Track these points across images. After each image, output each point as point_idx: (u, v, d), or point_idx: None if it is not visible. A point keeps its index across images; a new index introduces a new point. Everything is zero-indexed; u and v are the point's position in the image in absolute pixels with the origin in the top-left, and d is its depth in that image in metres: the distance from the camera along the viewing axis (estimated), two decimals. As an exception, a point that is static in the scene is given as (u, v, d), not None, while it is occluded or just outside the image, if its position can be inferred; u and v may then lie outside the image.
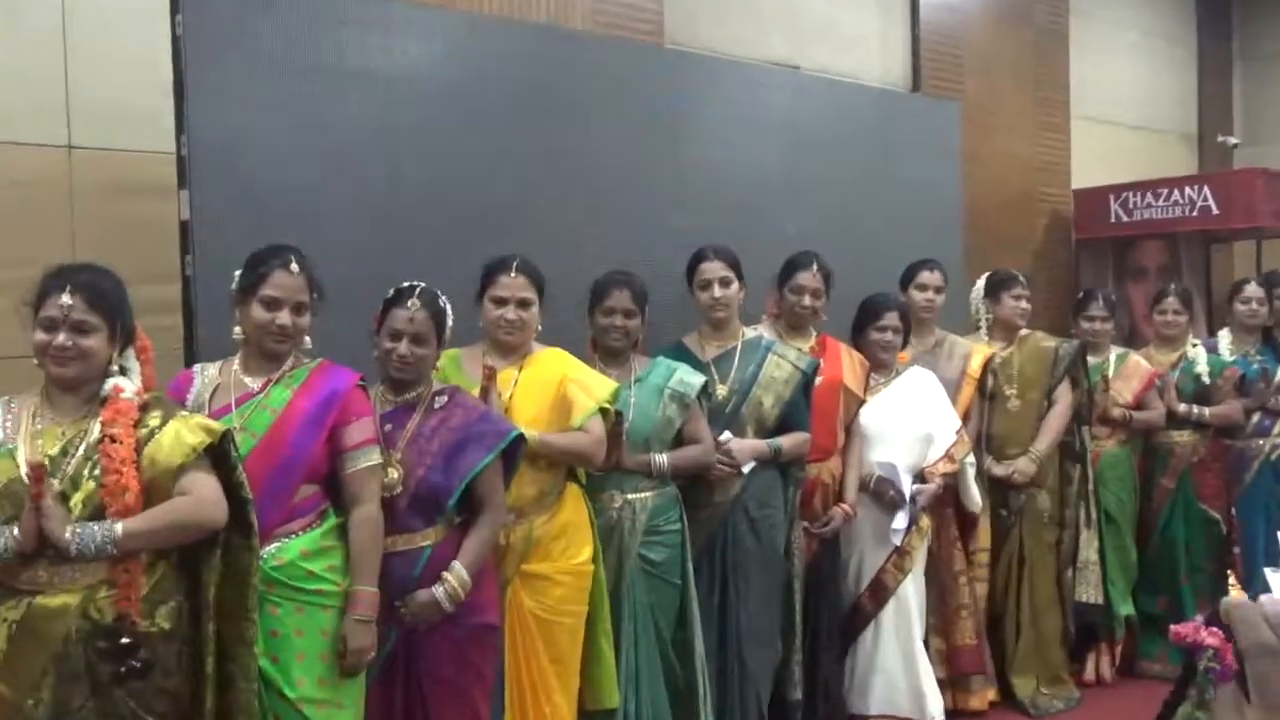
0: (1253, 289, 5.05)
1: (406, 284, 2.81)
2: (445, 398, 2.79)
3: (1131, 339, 6.22)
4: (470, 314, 3.09)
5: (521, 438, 2.80)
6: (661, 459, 3.25)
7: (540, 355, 3.12)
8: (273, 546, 2.48)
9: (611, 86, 3.96)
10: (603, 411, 3.07)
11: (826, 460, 3.81)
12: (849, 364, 3.89)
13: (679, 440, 3.34)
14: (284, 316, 2.55)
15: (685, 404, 3.31)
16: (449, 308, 2.85)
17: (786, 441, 3.55)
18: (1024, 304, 4.53)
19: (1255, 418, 4.94)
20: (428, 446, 2.69)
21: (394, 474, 2.67)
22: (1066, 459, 4.52)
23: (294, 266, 2.57)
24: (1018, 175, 6.49)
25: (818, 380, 3.67)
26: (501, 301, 3.05)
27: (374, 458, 2.60)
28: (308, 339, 2.63)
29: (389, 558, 2.61)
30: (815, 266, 3.81)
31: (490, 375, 2.91)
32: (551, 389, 3.05)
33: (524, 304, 3.06)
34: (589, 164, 3.89)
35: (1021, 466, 4.37)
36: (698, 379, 3.36)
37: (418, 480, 2.66)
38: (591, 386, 3.08)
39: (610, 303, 3.31)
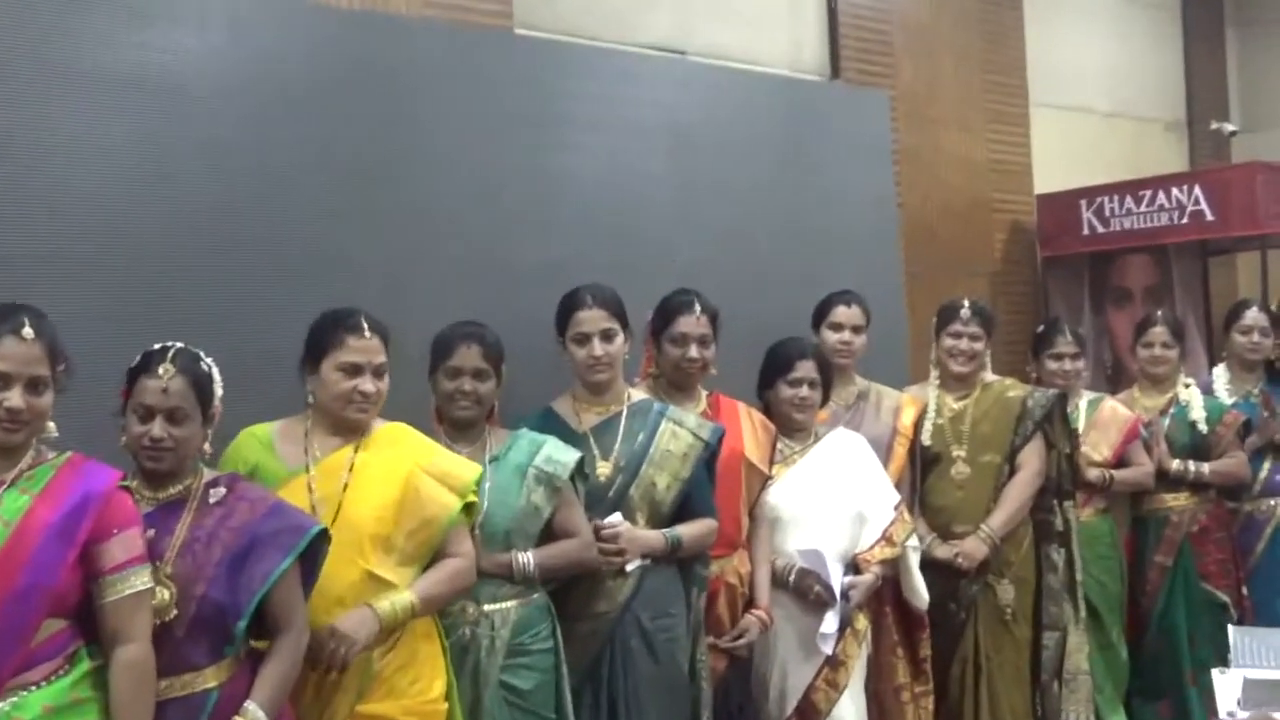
0: (1253, 315, 5.30)
1: (157, 346, 2.78)
2: (222, 489, 2.77)
3: (1117, 379, 6.43)
4: (263, 378, 3.11)
5: (325, 535, 2.80)
6: (526, 558, 3.28)
7: (381, 434, 3.13)
8: (4, 704, 2.41)
9: (448, 84, 4.04)
10: (466, 507, 3.11)
11: (731, 555, 3.86)
12: (750, 430, 3.97)
13: (548, 534, 3.38)
14: (14, 398, 2.51)
15: (554, 487, 3.35)
16: (215, 372, 2.82)
17: (688, 531, 3.60)
18: (964, 343, 4.62)
19: (1264, 471, 5.18)
20: (206, 555, 2.66)
21: (164, 594, 2.63)
22: (1045, 541, 4.63)
23: (27, 331, 2.53)
24: (966, 179, 6.70)
25: (717, 452, 3.77)
26: (355, 370, 3.05)
27: (142, 581, 2.57)
28: (52, 425, 2.61)
29: (163, 707, 2.58)
30: (698, 308, 3.88)
31: None
32: (397, 480, 3.05)
33: (380, 372, 3.10)
34: (420, 183, 3.95)
35: (968, 548, 4.46)
36: (570, 455, 3.40)
37: (197, 600, 2.63)
38: (452, 474, 3.11)
39: (455, 362, 3.35)
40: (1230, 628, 2.70)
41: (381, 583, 2.96)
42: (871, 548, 4.13)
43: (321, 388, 3.08)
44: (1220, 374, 5.37)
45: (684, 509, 3.64)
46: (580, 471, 3.45)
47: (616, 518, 3.53)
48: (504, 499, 3.31)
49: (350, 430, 3.10)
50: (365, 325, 3.08)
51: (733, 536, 3.86)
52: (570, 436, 3.56)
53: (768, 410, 4.17)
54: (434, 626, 3.12)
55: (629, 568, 3.52)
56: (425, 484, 3.05)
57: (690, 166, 4.64)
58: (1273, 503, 5.18)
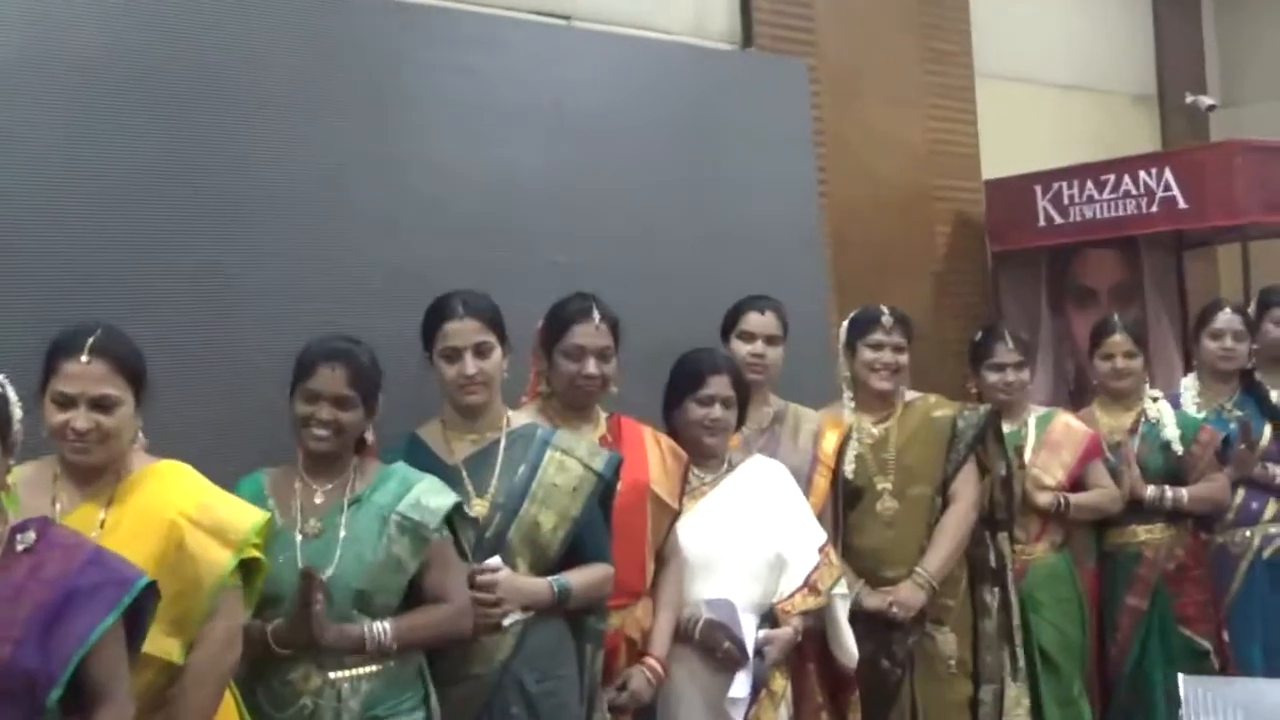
0: (1226, 318, 5.41)
1: None
2: (31, 534, 2.73)
3: (1081, 393, 6.48)
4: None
5: (153, 588, 2.75)
6: (381, 629, 3.23)
7: (144, 477, 3.07)
8: None
9: (277, 56, 4.02)
10: (246, 566, 3.01)
11: (633, 605, 3.86)
12: (657, 457, 3.98)
13: (415, 595, 3.33)
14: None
15: (422, 539, 3.31)
16: (13, 397, 2.78)
17: (579, 579, 3.60)
18: (887, 354, 4.66)
19: (1239, 498, 5.29)
20: (12, 612, 2.62)
21: (-39, 660, 2.60)
22: (980, 581, 4.68)
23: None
24: (902, 164, 6.74)
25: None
26: (67, 402, 2.96)
27: None
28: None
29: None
30: (597, 316, 3.88)
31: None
32: (157, 534, 2.98)
33: (103, 404, 2.98)
34: (243, 173, 3.92)
35: (904, 596, 4.48)
36: (443, 500, 3.36)
37: (2, 664, 2.59)
38: (226, 524, 3.04)
39: (314, 385, 3.33)
40: (1181, 676, 2.74)
41: (145, 658, 2.88)
42: (792, 596, 4.14)
43: (46, 423, 2.99)
44: (1189, 384, 5.47)
45: (575, 553, 3.64)
46: (463, 518, 3.43)
47: (495, 562, 3.51)
48: (358, 551, 3.27)
49: (92, 475, 3.03)
50: (85, 348, 2.97)
51: (635, 584, 3.86)
52: (439, 469, 3.54)
53: (673, 434, 4.18)
54: (233, 702, 3.09)
55: (507, 622, 3.49)
56: (192, 537, 2.98)
57: (576, 152, 4.65)
58: (1248, 533, 5.31)
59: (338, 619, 3.20)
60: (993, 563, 4.72)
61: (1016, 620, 4.72)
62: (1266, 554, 5.31)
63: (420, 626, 3.33)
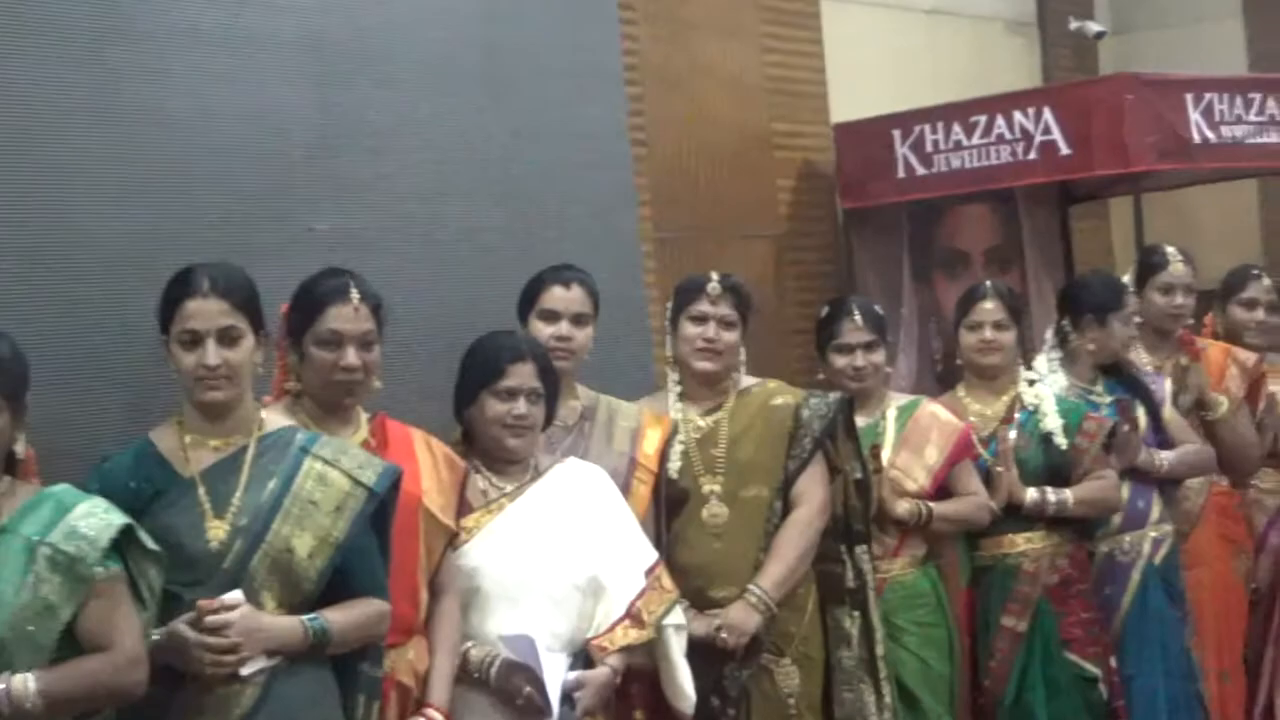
0: (1132, 301, 5.58)
1: None
2: None
3: (950, 376, 6.49)
4: None
5: None
6: (22, 683, 3.11)
7: None
8: None
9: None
10: None
11: (405, 644, 3.85)
12: (429, 466, 3.99)
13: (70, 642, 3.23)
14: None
15: (79, 577, 3.20)
16: None
17: (341, 617, 3.55)
18: (712, 329, 4.69)
19: (1123, 495, 5.40)
20: None
21: None
22: (833, 602, 4.73)
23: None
24: (736, 105, 6.83)
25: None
26: None
27: None
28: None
29: None
30: (355, 296, 3.87)
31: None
32: None
33: None
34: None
35: (734, 619, 4.50)
36: (105, 526, 3.24)
37: None
38: None
39: None
40: None
41: None
42: (611, 630, 4.17)
43: None
44: (1043, 362, 5.49)
45: (340, 586, 3.59)
46: (139, 547, 3.32)
47: (232, 597, 3.46)
48: (-2, 592, 3.18)
49: None
50: None
51: (407, 619, 3.86)
52: (172, 482, 3.51)
53: (468, 435, 4.19)
54: None
55: (246, 671, 3.43)
56: None
57: (338, 97, 4.61)
58: (1136, 538, 5.46)
59: None
60: (850, 582, 4.78)
61: (881, 650, 4.77)
62: (1159, 560, 5.47)
63: (71, 679, 3.20)
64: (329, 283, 3.90)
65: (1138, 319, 5.78)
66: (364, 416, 4.00)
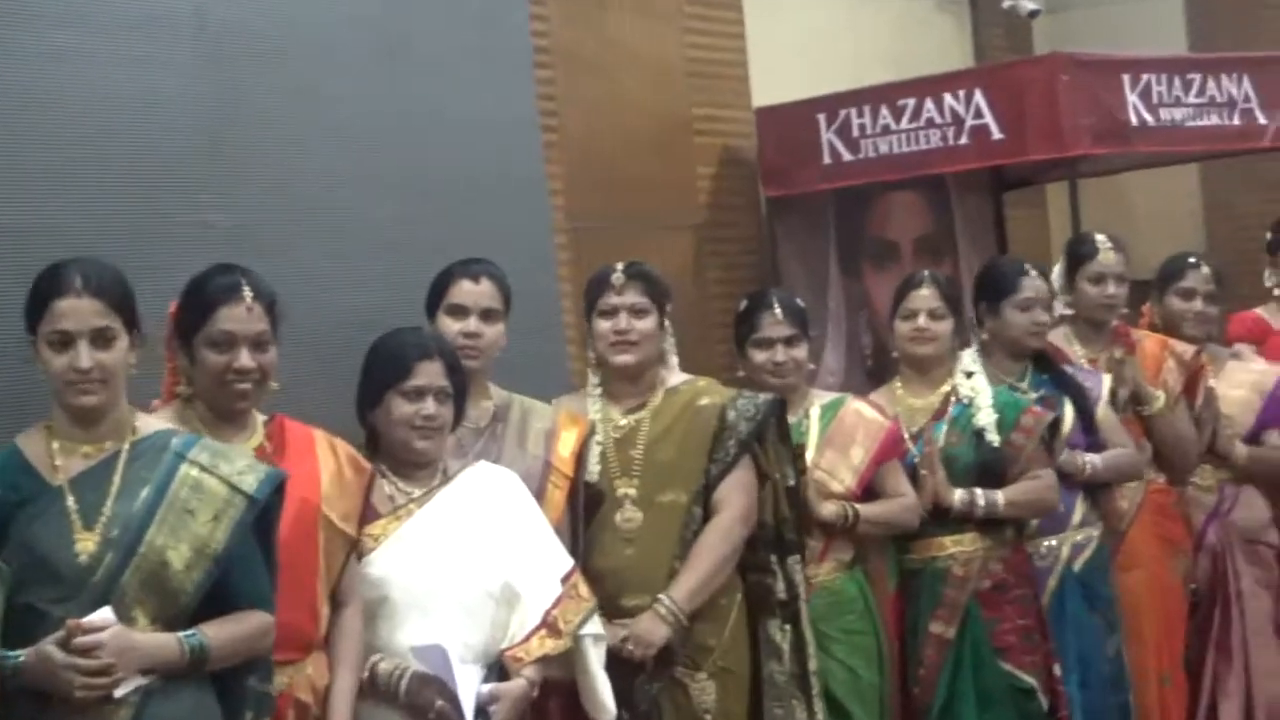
0: (1031, 284, 5.53)
1: None
2: None
3: (881, 372, 6.60)
4: None
5: None
6: None
7: None
8: None
9: None
10: None
11: (303, 659, 3.86)
12: (332, 470, 3.98)
13: None
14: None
15: None
16: None
17: (220, 632, 3.53)
18: (623, 320, 4.71)
19: None
20: None
21: None
22: (763, 614, 4.75)
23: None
24: (652, 88, 6.85)
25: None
26: None
27: None
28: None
29: None
30: (248, 294, 3.86)
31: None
32: None
33: None
34: None
35: (641, 630, 4.52)
36: None
37: None
38: None
39: None
40: None
41: None
42: (526, 640, 4.17)
43: None
44: (970, 356, 5.50)
45: (220, 600, 3.57)
46: None
47: (101, 616, 3.43)
48: None
49: None
50: None
51: (305, 632, 3.86)
52: (39, 490, 3.48)
53: (373, 437, 4.20)
54: None
55: (119, 692, 3.40)
56: None
57: (230, 78, 4.60)
58: (1054, 543, 5.53)
59: None
60: (782, 593, 4.78)
61: (814, 665, 4.79)
62: (1078, 566, 5.54)
63: None
64: (219, 280, 3.89)
65: (1067, 310, 5.86)
66: (260, 419, 3.98)
